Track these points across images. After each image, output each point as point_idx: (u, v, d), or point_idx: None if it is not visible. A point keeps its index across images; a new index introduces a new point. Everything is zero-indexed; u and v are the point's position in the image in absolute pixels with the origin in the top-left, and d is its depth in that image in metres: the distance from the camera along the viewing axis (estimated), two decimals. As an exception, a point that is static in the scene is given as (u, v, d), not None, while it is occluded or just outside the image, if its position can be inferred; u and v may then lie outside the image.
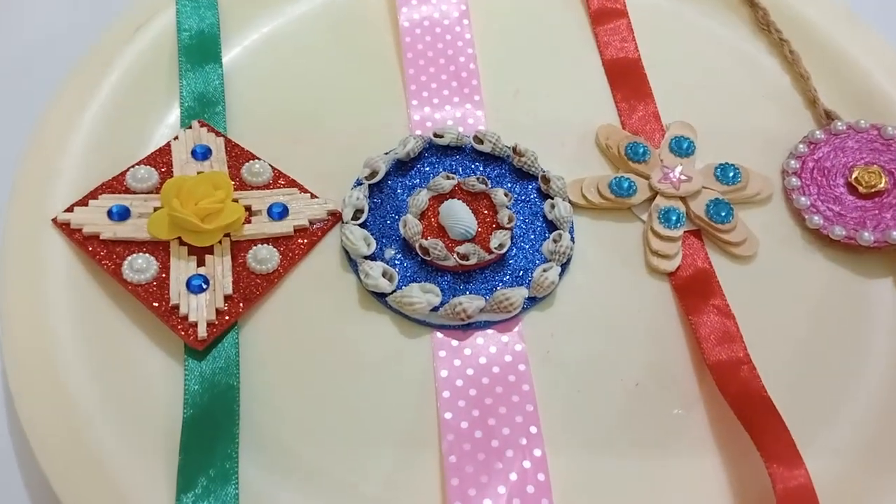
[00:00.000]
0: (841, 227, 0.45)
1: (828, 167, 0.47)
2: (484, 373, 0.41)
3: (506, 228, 0.44)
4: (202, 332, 0.40)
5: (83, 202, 0.43)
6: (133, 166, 0.45)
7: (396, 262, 0.44)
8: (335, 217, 0.45)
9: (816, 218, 0.46)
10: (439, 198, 0.45)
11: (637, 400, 0.41)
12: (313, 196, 0.45)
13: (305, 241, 0.44)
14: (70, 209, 0.43)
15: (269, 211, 0.44)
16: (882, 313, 0.44)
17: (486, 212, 0.45)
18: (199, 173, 0.44)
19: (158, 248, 0.42)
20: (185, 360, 0.40)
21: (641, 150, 0.47)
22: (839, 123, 0.48)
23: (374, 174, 0.45)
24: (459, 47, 0.52)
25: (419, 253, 0.43)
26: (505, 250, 0.43)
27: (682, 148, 0.48)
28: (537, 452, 0.38)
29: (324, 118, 0.49)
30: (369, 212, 0.45)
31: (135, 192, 0.44)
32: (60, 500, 0.37)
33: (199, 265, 0.42)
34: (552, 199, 0.45)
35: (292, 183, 0.45)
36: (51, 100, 0.47)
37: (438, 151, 0.47)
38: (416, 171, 0.47)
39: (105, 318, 0.41)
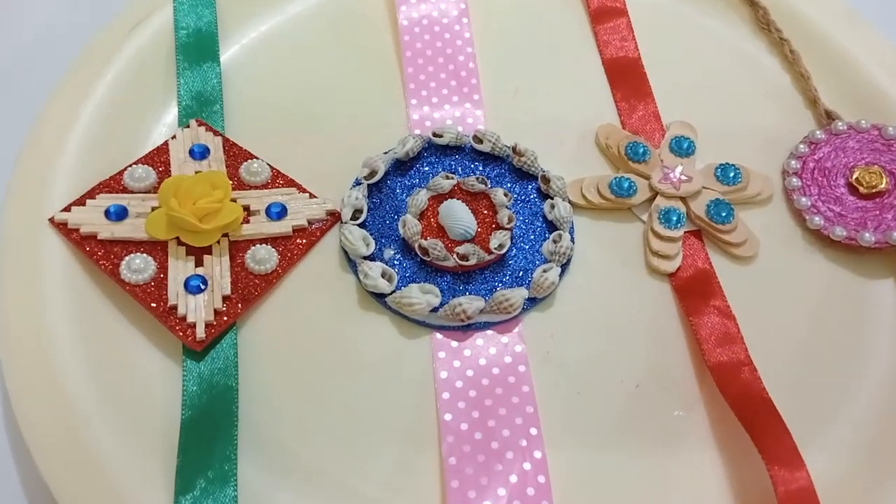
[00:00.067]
0: (842, 227, 0.45)
1: (828, 167, 0.47)
2: (484, 374, 0.40)
3: (505, 229, 0.44)
4: (200, 332, 0.40)
5: (80, 202, 0.43)
6: (130, 165, 0.44)
7: (395, 262, 0.43)
8: (334, 217, 0.45)
9: (817, 218, 0.45)
10: (439, 198, 0.45)
11: (637, 401, 0.41)
12: (312, 196, 0.45)
13: (304, 241, 0.44)
14: (67, 209, 0.43)
15: (268, 211, 0.44)
16: (883, 314, 0.44)
17: (485, 212, 0.45)
18: (197, 173, 0.44)
19: (156, 248, 0.42)
20: (184, 360, 0.40)
21: (641, 150, 0.47)
22: (840, 123, 0.48)
23: (373, 174, 0.45)
24: (458, 46, 0.52)
25: (418, 253, 0.43)
26: (505, 251, 0.43)
27: (683, 148, 0.47)
28: (537, 454, 0.38)
29: (322, 117, 0.49)
30: (368, 212, 0.45)
31: (132, 192, 0.44)
32: (57, 501, 0.36)
33: (197, 265, 0.42)
34: (552, 199, 0.45)
35: (291, 183, 0.45)
36: (48, 99, 0.47)
37: (438, 151, 0.47)
38: (415, 171, 0.46)
39: (103, 318, 0.41)
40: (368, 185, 0.45)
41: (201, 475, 0.36)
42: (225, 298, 0.41)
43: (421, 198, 0.44)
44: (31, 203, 0.43)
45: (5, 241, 0.42)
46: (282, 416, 0.40)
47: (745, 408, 0.39)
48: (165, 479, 0.37)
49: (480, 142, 0.46)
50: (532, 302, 0.43)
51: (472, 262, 0.42)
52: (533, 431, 0.39)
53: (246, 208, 0.44)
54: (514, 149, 0.46)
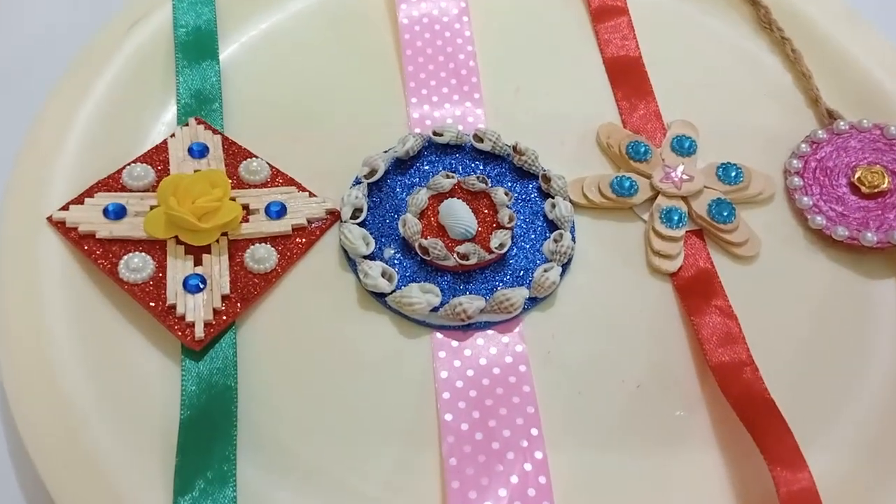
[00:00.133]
0: (844, 227, 0.45)
1: (830, 167, 0.47)
2: (484, 374, 0.40)
3: (506, 228, 0.43)
4: (199, 332, 0.39)
5: (79, 200, 0.43)
6: (129, 164, 0.44)
7: (396, 261, 0.43)
8: (334, 216, 0.44)
9: (819, 218, 0.45)
10: (439, 197, 0.45)
11: (639, 401, 0.41)
12: (312, 195, 0.45)
13: (304, 240, 0.43)
14: (65, 207, 0.42)
15: (267, 210, 0.43)
16: (885, 314, 0.44)
17: (486, 211, 0.44)
18: (196, 171, 0.44)
19: (155, 247, 0.42)
20: (182, 360, 0.40)
21: (643, 150, 0.47)
22: (842, 123, 0.48)
23: (373, 172, 0.45)
24: (459, 44, 0.51)
25: (419, 252, 0.43)
26: (505, 250, 0.43)
27: (684, 147, 0.47)
28: (538, 455, 0.38)
29: (322, 116, 0.48)
30: (368, 211, 0.44)
31: (131, 191, 0.43)
32: (55, 501, 0.36)
33: (196, 264, 0.41)
34: (553, 198, 0.45)
35: (290, 181, 0.45)
36: (47, 97, 0.47)
37: (438, 150, 0.47)
38: (415, 170, 0.46)
39: (101, 317, 0.41)
40: (368, 183, 0.45)
41: (200, 476, 0.36)
42: (224, 298, 0.41)
43: (421, 197, 0.44)
44: (30, 202, 0.43)
45: (4, 240, 0.42)
46: (281, 416, 0.39)
47: (747, 408, 0.39)
48: (164, 479, 0.37)
49: (481, 141, 0.46)
50: (533, 301, 0.42)
51: (473, 261, 0.42)
52: (534, 432, 0.39)
53: (245, 207, 0.43)
54: (514, 148, 0.46)
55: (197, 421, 0.38)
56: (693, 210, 0.45)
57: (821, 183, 0.47)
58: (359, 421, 0.39)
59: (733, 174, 0.46)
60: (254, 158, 0.45)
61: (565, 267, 0.44)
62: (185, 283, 0.40)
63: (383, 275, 0.42)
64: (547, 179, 0.45)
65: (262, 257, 0.42)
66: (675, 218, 0.45)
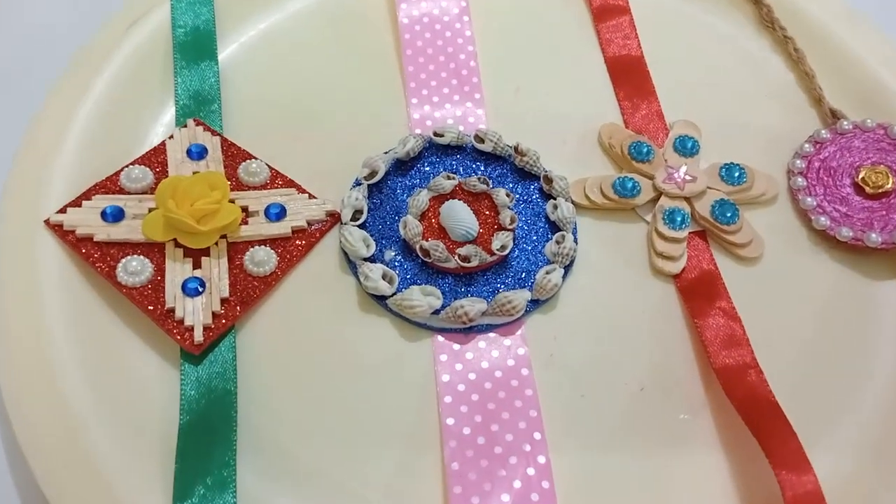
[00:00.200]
0: (848, 228, 0.44)
1: (834, 167, 0.47)
2: (486, 377, 0.40)
3: (508, 230, 0.43)
4: (198, 336, 0.39)
5: (76, 203, 0.42)
6: (127, 166, 0.44)
7: (396, 263, 0.43)
8: (334, 218, 0.44)
9: (823, 219, 0.45)
10: (440, 198, 0.44)
11: (642, 404, 0.40)
12: (311, 196, 0.44)
13: (303, 242, 0.43)
14: (63, 210, 0.42)
15: (267, 212, 0.43)
16: (889, 315, 0.44)
17: (487, 212, 0.44)
18: (194, 173, 0.43)
19: (153, 250, 0.41)
20: (182, 364, 0.39)
21: (645, 150, 0.46)
22: (845, 123, 0.48)
23: (373, 174, 0.44)
24: (459, 44, 0.51)
25: (420, 254, 0.42)
26: (507, 252, 0.43)
27: (687, 147, 0.47)
28: (541, 459, 0.38)
29: (322, 116, 0.48)
30: (369, 212, 0.44)
31: (129, 193, 0.43)
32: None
33: (195, 267, 0.41)
34: (555, 199, 0.45)
35: (290, 183, 0.45)
36: (46, 97, 0.47)
37: (439, 151, 0.47)
38: (416, 171, 0.46)
39: (99, 320, 0.41)
40: (369, 185, 0.45)
41: (200, 481, 0.36)
42: (223, 301, 0.40)
43: (422, 198, 0.44)
44: (28, 204, 0.43)
45: (2, 241, 0.42)
46: (281, 420, 0.39)
47: (752, 411, 0.39)
48: (162, 483, 0.37)
49: (482, 141, 0.46)
50: (535, 304, 0.42)
51: (474, 263, 0.42)
52: (537, 436, 0.38)
53: (244, 209, 0.43)
54: (515, 148, 0.46)
55: (196, 426, 0.38)
56: (696, 211, 0.45)
57: (824, 183, 0.46)
58: (359, 425, 0.39)
59: (736, 175, 0.46)
60: (253, 160, 0.45)
61: (567, 269, 0.43)
62: (183, 287, 0.40)
63: (384, 277, 0.42)
64: (549, 180, 0.45)
65: (261, 260, 0.42)
66: (678, 219, 0.44)
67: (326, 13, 0.52)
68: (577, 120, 0.49)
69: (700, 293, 0.43)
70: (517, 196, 0.45)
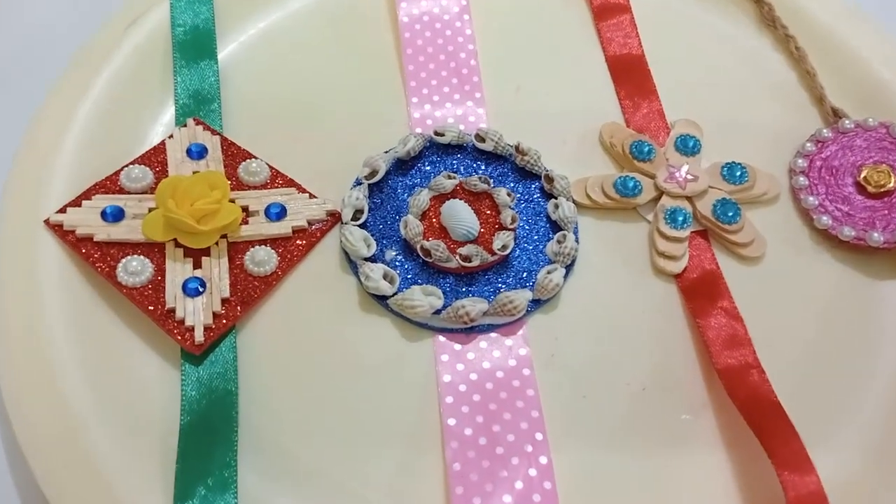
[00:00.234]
0: (850, 227, 0.44)
1: (836, 166, 0.47)
2: (488, 377, 0.40)
3: (509, 229, 0.43)
4: (199, 336, 0.39)
5: (76, 203, 0.42)
6: (127, 166, 0.44)
7: (397, 263, 0.43)
8: (334, 217, 0.44)
9: (825, 218, 0.45)
10: (440, 198, 0.44)
11: (644, 404, 0.40)
12: (312, 196, 0.44)
13: (304, 242, 0.43)
14: (63, 210, 0.42)
15: (267, 211, 0.43)
16: (891, 315, 0.44)
17: (488, 212, 0.44)
18: (194, 173, 0.43)
19: (153, 250, 0.41)
20: (182, 364, 0.39)
21: (646, 149, 0.46)
22: (847, 122, 0.48)
23: (373, 173, 0.44)
24: (460, 43, 0.51)
25: (421, 254, 0.42)
26: (508, 252, 0.42)
27: (688, 146, 0.47)
28: (543, 460, 0.38)
29: (322, 115, 0.48)
30: (369, 212, 0.44)
31: (129, 193, 0.43)
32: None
33: (195, 267, 0.41)
34: (556, 198, 0.45)
35: (290, 183, 0.44)
36: (46, 97, 0.47)
37: (439, 150, 0.47)
38: (416, 171, 0.46)
39: (99, 321, 0.41)
40: (369, 184, 0.44)
41: (201, 482, 0.36)
42: (224, 301, 0.40)
43: (423, 198, 0.44)
44: (28, 203, 0.43)
45: (3, 242, 0.42)
46: (282, 420, 0.39)
47: (754, 412, 0.38)
48: (162, 483, 0.36)
49: (483, 140, 0.46)
50: (536, 304, 0.42)
51: (476, 263, 0.42)
52: (538, 436, 0.38)
53: (245, 209, 0.43)
54: (516, 148, 0.46)
55: (197, 426, 0.37)
56: (698, 210, 0.45)
57: (826, 182, 0.46)
58: (360, 425, 0.39)
59: (738, 174, 0.46)
60: (253, 159, 0.45)
61: (569, 268, 0.43)
62: (184, 287, 0.40)
63: (385, 277, 0.41)
64: (550, 180, 0.45)
65: (262, 260, 0.42)
66: (680, 218, 0.44)
67: (327, 12, 0.52)
68: (578, 119, 0.49)
69: (702, 293, 0.43)
70: (518, 195, 0.45)
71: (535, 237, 0.44)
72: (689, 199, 0.45)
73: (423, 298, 0.41)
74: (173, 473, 0.36)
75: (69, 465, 0.37)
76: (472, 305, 0.40)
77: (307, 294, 0.42)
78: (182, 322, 0.39)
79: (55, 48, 0.54)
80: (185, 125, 0.46)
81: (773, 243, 0.45)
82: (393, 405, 0.40)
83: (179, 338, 0.39)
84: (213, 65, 0.48)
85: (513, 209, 0.44)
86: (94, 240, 0.41)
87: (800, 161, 0.47)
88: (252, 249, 0.42)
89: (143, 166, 0.44)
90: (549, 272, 0.42)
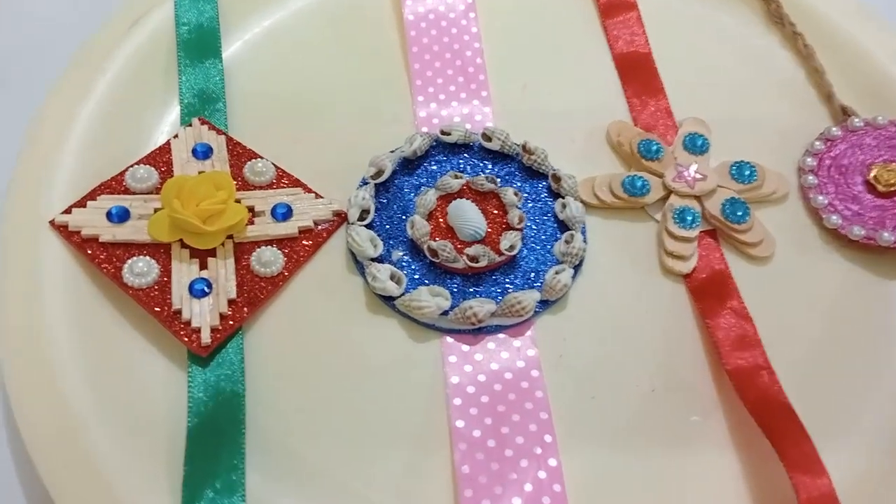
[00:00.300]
0: (860, 226, 0.44)
1: (845, 165, 0.46)
2: (496, 379, 0.40)
3: (516, 229, 0.43)
4: (206, 338, 0.39)
5: (81, 203, 0.42)
6: (132, 166, 0.43)
7: (404, 263, 0.42)
8: (340, 218, 0.44)
9: (834, 217, 0.45)
10: (447, 197, 0.44)
11: (653, 405, 0.40)
12: (318, 196, 0.44)
13: (310, 242, 0.43)
14: (68, 211, 0.42)
15: (273, 212, 0.43)
16: (901, 315, 0.44)
17: (495, 212, 0.44)
18: (200, 173, 0.43)
19: (159, 251, 0.41)
20: (189, 366, 0.39)
21: (655, 148, 0.46)
22: (856, 120, 0.47)
23: (380, 173, 0.44)
24: (466, 41, 0.51)
25: (428, 255, 0.42)
26: (516, 252, 0.42)
27: (697, 145, 0.46)
28: (552, 462, 0.37)
29: (328, 115, 0.48)
30: (376, 212, 0.44)
31: (134, 193, 0.43)
32: (56, 503, 0.36)
33: (201, 268, 0.41)
34: (563, 198, 0.44)
35: (296, 182, 0.44)
36: (47, 96, 0.46)
37: (446, 149, 0.46)
38: (423, 170, 0.46)
39: (104, 322, 0.40)
40: (375, 184, 0.44)
41: (209, 485, 0.36)
42: (230, 302, 0.40)
43: (429, 198, 0.43)
44: (31, 203, 0.43)
45: (5, 242, 0.42)
46: (289, 421, 0.39)
47: (764, 413, 0.38)
48: (165, 484, 0.36)
49: (489, 140, 0.46)
50: (544, 304, 0.42)
51: (483, 263, 0.41)
52: (548, 438, 0.38)
53: (251, 209, 0.43)
54: (523, 147, 0.45)
55: (204, 429, 0.37)
56: (706, 210, 0.44)
57: (836, 181, 0.46)
58: (367, 426, 0.39)
59: (747, 173, 0.46)
60: (259, 159, 0.44)
61: (577, 268, 0.43)
62: (190, 288, 0.40)
63: (392, 278, 0.41)
64: (557, 179, 0.45)
65: (268, 260, 0.41)
66: (689, 218, 0.44)
67: (331, 10, 0.52)
68: (586, 117, 0.48)
69: (711, 293, 0.43)
70: (525, 195, 0.45)
71: (543, 237, 0.44)
72: (697, 198, 0.45)
73: (431, 299, 0.40)
74: (175, 474, 0.36)
75: (69, 464, 0.37)
76: (480, 306, 0.40)
77: (314, 295, 0.42)
78: (188, 323, 0.39)
79: (58, 47, 0.54)
80: (191, 125, 0.45)
81: (783, 243, 0.45)
82: (400, 406, 0.39)
83: (186, 339, 0.39)
84: (217, 64, 0.48)
85: (520, 209, 0.43)
86: (100, 241, 0.41)
87: (809, 160, 0.47)
88: (258, 250, 0.42)
89: (148, 166, 0.43)
90: (557, 272, 0.42)
